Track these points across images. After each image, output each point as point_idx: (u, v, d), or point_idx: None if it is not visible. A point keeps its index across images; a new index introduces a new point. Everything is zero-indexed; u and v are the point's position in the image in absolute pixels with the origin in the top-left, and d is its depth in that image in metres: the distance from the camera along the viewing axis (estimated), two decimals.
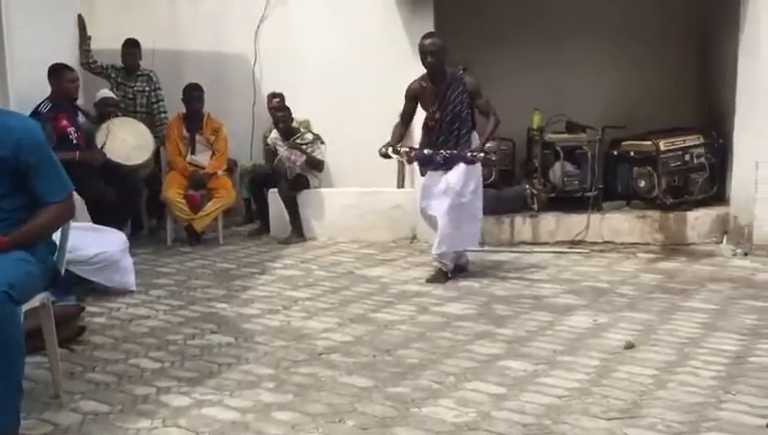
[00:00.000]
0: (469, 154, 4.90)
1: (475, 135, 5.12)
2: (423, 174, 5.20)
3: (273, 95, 7.03)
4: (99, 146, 5.66)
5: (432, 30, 6.19)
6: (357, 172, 7.05)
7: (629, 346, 3.78)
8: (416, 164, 5.30)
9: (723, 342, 3.87)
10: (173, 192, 6.17)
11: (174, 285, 5.03)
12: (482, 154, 4.90)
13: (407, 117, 5.28)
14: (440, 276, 5.12)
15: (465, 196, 4.98)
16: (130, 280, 4.79)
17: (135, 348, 3.80)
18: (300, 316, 4.35)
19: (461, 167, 4.97)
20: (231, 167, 7.20)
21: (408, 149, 5.10)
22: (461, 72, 5.06)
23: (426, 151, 5.02)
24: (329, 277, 5.30)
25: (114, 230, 4.83)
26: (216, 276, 5.30)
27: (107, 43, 6.95)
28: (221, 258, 5.86)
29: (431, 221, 5.20)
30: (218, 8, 7.40)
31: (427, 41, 4.98)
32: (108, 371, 3.50)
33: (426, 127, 5.20)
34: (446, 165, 4.98)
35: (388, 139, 6.96)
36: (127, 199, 5.83)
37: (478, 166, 5.04)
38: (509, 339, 3.94)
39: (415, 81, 5.18)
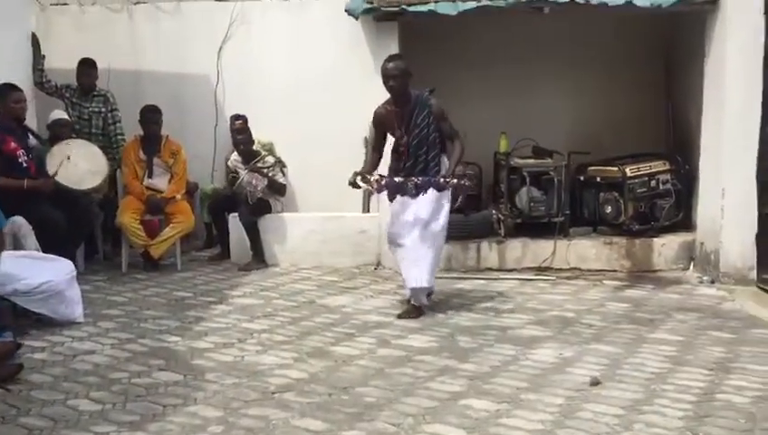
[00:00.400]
0: (441, 180, 4.75)
1: (444, 159, 4.97)
2: (392, 200, 5.02)
3: (235, 117, 6.84)
4: (50, 171, 5.42)
5: (397, 52, 6.12)
6: (321, 196, 6.91)
7: (595, 383, 3.66)
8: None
9: (690, 377, 3.77)
10: (128, 217, 5.96)
11: (124, 316, 4.81)
12: (454, 180, 4.74)
13: (377, 144, 5.12)
14: (413, 311, 4.90)
15: (434, 226, 4.80)
16: (77, 311, 4.56)
17: (75, 388, 3.58)
18: (255, 350, 4.16)
19: (430, 195, 4.79)
20: (191, 190, 7.02)
21: (378, 177, 4.90)
22: (426, 94, 4.92)
23: (396, 179, 4.85)
24: (288, 307, 5.12)
25: (60, 258, 4.61)
26: (170, 306, 5.09)
27: (63, 62, 6.74)
28: (177, 286, 5.64)
29: (398, 250, 4.97)
30: (179, 27, 7.22)
31: (390, 64, 4.86)
32: (43, 414, 3.28)
33: (394, 152, 5.04)
34: (417, 191, 4.81)
35: (354, 163, 6.94)
36: (78, 225, 5.59)
37: (448, 193, 4.85)
38: (472, 375, 3.79)
39: (380, 106, 5.04)
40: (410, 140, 4.84)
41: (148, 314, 4.88)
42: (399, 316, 4.86)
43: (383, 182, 4.86)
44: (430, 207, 4.79)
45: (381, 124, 5.04)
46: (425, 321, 4.78)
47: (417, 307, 4.91)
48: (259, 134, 6.91)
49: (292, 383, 3.66)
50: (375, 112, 5.06)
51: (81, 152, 5.64)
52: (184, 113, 7.21)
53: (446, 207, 4.88)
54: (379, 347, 4.25)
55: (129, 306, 5.06)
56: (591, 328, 4.67)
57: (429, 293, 5.09)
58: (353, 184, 4.95)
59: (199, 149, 7.13)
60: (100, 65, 6.71)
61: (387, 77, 4.84)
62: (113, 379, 3.70)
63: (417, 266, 4.80)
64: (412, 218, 4.80)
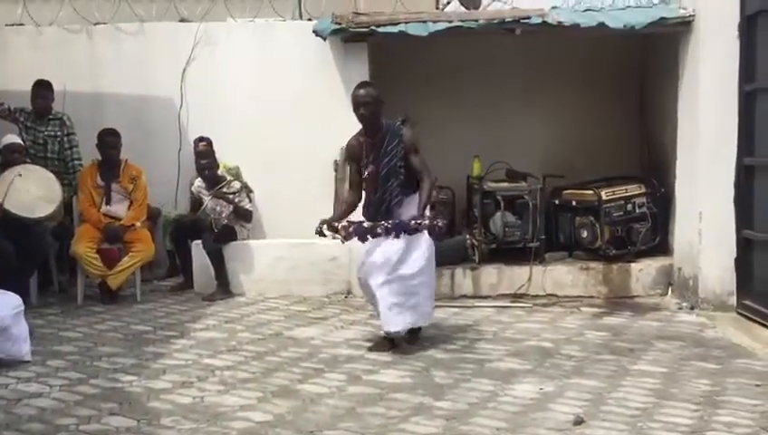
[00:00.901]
0: (412, 222, 4.41)
1: (414, 197, 4.60)
2: (363, 242, 4.61)
3: (199, 139, 6.60)
4: None
5: (366, 75, 5.97)
6: (290, 222, 6.64)
7: (579, 421, 3.45)
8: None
9: (677, 413, 3.58)
10: (84, 246, 5.65)
11: (77, 354, 4.50)
12: (425, 221, 4.40)
13: (354, 182, 4.80)
14: (385, 344, 4.63)
15: (405, 268, 4.47)
16: (24, 349, 4.24)
17: None
18: (216, 390, 3.89)
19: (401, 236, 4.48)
20: (154, 217, 6.75)
21: (345, 224, 4.53)
22: (398, 123, 4.65)
23: (365, 225, 4.50)
24: (254, 340, 4.85)
25: (5, 292, 4.29)
26: (127, 342, 4.79)
27: (19, 84, 6.44)
28: (136, 319, 5.34)
29: (368, 293, 4.72)
30: (142, 48, 6.96)
31: (360, 91, 4.62)
32: None
33: (365, 185, 4.71)
34: (387, 235, 4.47)
35: (323, 187, 6.75)
36: (30, 255, 5.27)
37: (424, 232, 4.51)
38: (448, 414, 3.56)
39: (352, 137, 4.76)
40: (378, 171, 4.57)
41: (102, 350, 4.57)
42: (370, 349, 4.61)
43: (350, 229, 4.48)
44: (399, 249, 4.44)
45: (354, 157, 4.75)
46: (397, 354, 4.54)
47: (390, 339, 4.65)
48: (225, 158, 6.69)
49: (256, 428, 3.40)
50: (347, 145, 4.80)
51: (33, 178, 5.35)
52: (146, 137, 6.95)
53: (425, 247, 4.52)
54: (350, 384, 4.01)
55: (83, 342, 4.75)
56: (571, 359, 4.47)
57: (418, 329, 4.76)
58: (320, 233, 4.65)
59: (162, 174, 6.85)
60: (57, 87, 6.44)
61: (357, 105, 4.60)
62: (60, 425, 3.40)
63: (391, 310, 4.52)
64: (381, 260, 4.49)
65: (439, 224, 4.46)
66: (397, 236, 4.43)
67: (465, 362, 4.41)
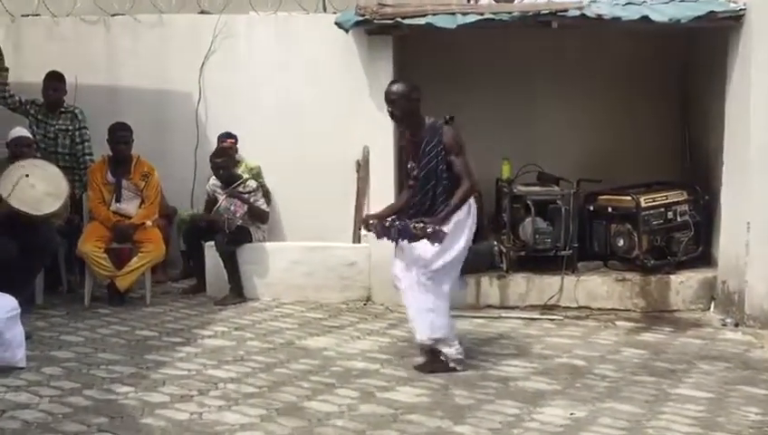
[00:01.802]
0: (412, 226, 4.04)
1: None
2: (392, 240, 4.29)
3: (226, 135, 6.37)
4: (3, 193, 4.89)
5: (390, 69, 5.68)
6: (310, 225, 6.40)
7: None
8: None
9: None
10: (91, 245, 5.40)
11: (74, 360, 4.24)
12: (422, 226, 3.99)
13: (404, 180, 4.55)
14: (429, 365, 4.22)
15: (434, 268, 4.13)
16: (18, 355, 3.98)
17: None
18: (216, 406, 3.59)
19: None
20: (170, 216, 6.51)
21: (375, 222, 4.22)
22: (441, 122, 4.28)
23: (386, 223, 4.18)
24: (263, 350, 4.55)
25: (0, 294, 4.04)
26: (129, 348, 4.52)
27: (34, 76, 6.23)
28: (143, 323, 5.08)
29: (401, 295, 4.39)
30: (159, 41, 6.74)
31: (390, 87, 4.29)
32: None
33: (408, 186, 4.43)
34: (399, 238, 4.14)
35: (346, 188, 6.46)
36: (35, 254, 5.03)
37: (461, 232, 4.16)
38: None
39: (401, 133, 4.50)
40: (419, 173, 4.26)
41: (101, 357, 4.31)
42: (417, 368, 4.21)
43: (379, 228, 4.18)
44: (432, 249, 4.09)
45: (401, 156, 4.53)
46: (415, 370, 4.20)
47: (438, 360, 4.21)
48: (245, 157, 6.44)
49: None
50: (398, 143, 4.56)
51: (39, 173, 5.11)
52: (163, 133, 6.73)
53: (456, 250, 4.17)
54: (362, 402, 3.68)
55: (83, 348, 4.49)
56: (605, 380, 4.10)
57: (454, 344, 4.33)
58: (366, 228, 4.38)
59: (179, 172, 6.64)
60: (72, 80, 6.23)
61: (387, 102, 4.29)
62: None
63: (419, 316, 4.19)
64: (413, 258, 4.19)
65: (439, 231, 4.01)
66: (403, 240, 4.12)
67: (489, 379, 4.07)
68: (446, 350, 4.18)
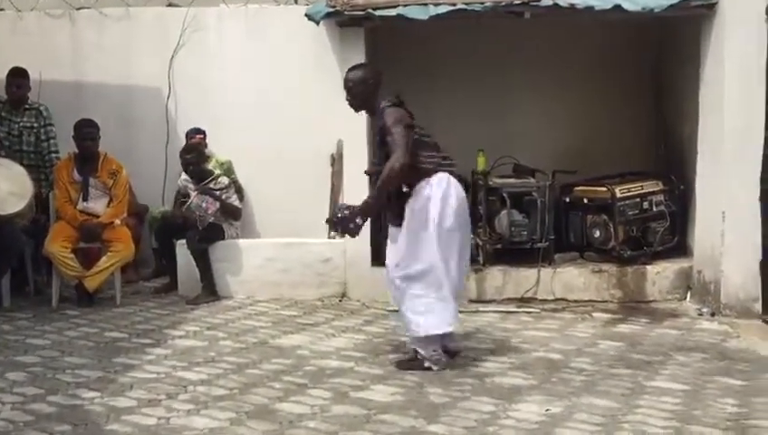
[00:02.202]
0: (334, 216, 3.98)
1: (422, 184, 3.97)
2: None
3: (195, 131, 6.25)
4: None
5: (363, 61, 5.53)
6: (284, 221, 6.32)
7: None
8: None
9: None
10: (58, 245, 5.27)
11: (40, 365, 4.11)
12: (339, 214, 3.95)
13: None
14: (409, 362, 4.12)
15: (406, 270, 3.98)
16: None
17: None
18: (185, 410, 3.49)
19: (403, 230, 4.00)
20: (141, 214, 6.39)
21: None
22: (386, 103, 4.03)
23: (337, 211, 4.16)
24: (235, 350, 4.46)
25: None
26: (97, 351, 4.40)
27: None
28: (112, 325, 4.96)
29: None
30: (126, 35, 6.61)
31: (347, 74, 4.18)
32: None
33: None
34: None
35: (320, 183, 6.36)
36: (0, 254, 4.90)
37: (423, 225, 3.92)
38: None
39: None
40: (378, 162, 4.12)
41: (68, 361, 4.19)
42: (397, 366, 4.12)
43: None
44: (401, 250, 3.97)
45: None
46: (390, 367, 4.14)
47: (415, 359, 4.09)
48: (216, 152, 6.33)
49: None
50: None
51: (4, 172, 4.99)
52: (132, 129, 6.63)
53: (424, 244, 3.93)
54: (335, 403, 3.60)
55: (49, 351, 4.37)
56: (582, 374, 4.06)
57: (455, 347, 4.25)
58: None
59: (149, 169, 6.53)
60: (36, 76, 6.08)
61: (345, 89, 4.21)
62: None
63: (401, 314, 4.12)
64: (390, 256, 4.10)
65: (352, 225, 3.93)
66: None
67: (465, 376, 4.01)
68: (422, 351, 4.07)
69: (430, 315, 3.99)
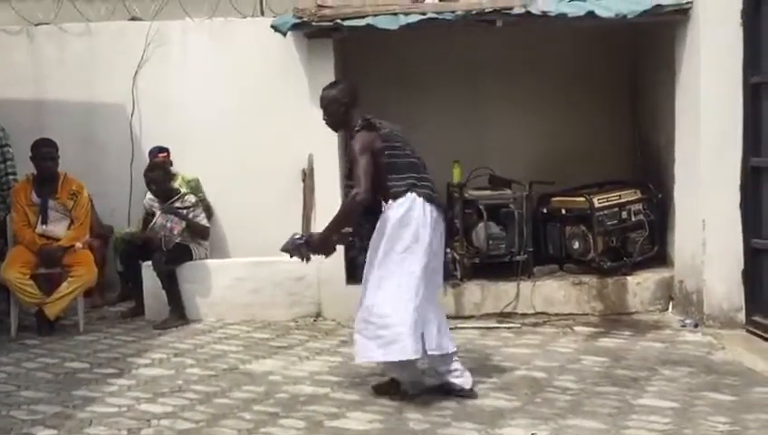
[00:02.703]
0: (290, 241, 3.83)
1: (392, 204, 3.78)
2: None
3: (158, 150, 6.06)
4: None
5: (331, 74, 5.37)
6: (254, 239, 6.10)
7: None
8: None
9: None
10: (15, 271, 5.03)
11: None
12: (291, 246, 3.81)
13: None
14: (389, 388, 3.91)
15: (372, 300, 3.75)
16: None
17: None
18: None
19: (374, 264, 3.75)
20: (106, 236, 6.15)
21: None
22: (357, 127, 3.86)
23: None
24: (203, 378, 4.24)
25: None
26: (56, 384, 4.16)
27: None
28: (73, 354, 4.72)
29: None
30: (88, 50, 6.40)
31: (322, 92, 4.00)
32: None
33: None
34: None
35: (290, 199, 6.17)
36: None
37: (405, 256, 3.71)
38: None
39: None
40: (348, 182, 3.95)
41: (24, 396, 3.95)
42: (374, 389, 3.93)
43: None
44: (374, 291, 3.75)
45: None
46: (368, 392, 3.95)
47: (396, 384, 3.88)
48: (182, 169, 6.12)
49: None
50: None
51: None
52: (94, 148, 6.43)
53: (397, 275, 3.71)
54: (309, 433, 3.42)
55: (5, 386, 4.12)
56: (567, 393, 3.90)
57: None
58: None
59: (113, 189, 6.32)
60: None
61: (321, 108, 4.03)
62: None
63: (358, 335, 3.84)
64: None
65: (299, 245, 3.80)
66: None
67: (446, 399, 3.83)
68: (396, 375, 3.88)
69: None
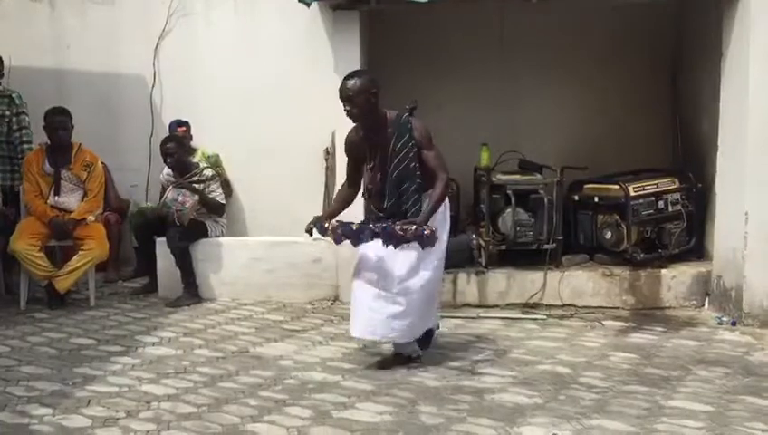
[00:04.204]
0: (398, 228, 3.64)
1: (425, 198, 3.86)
2: (356, 245, 3.88)
3: (177, 123, 5.89)
4: None
5: (357, 49, 5.18)
6: (273, 218, 5.96)
7: None
8: None
9: None
10: (24, 243, 4.90)
11: None
12: (413, 227, 3.64)
13: (351, 177, 4.05)
14: (394, 361, 3.99)
15: (407, 286, 3.81)
16: None
17: None
18: (144, 431, 3.10)
19: (411, 246, 3.73)
20: (124, 210, 6.03)
21: (335, 224, 3.81)
22: (406, 115, 3.83)
23: (353, 226, 3.78)
24: (211, 360, 4.07)
25: None
26: (59, 360, 4.02)
27: None
28: (81, 329, 4.59)
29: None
30: (110, 20, 6.26)
31: (346, 84, 3.79)
32: None
33: (367, 190, 3.99)
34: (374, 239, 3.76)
35: (312, 178, 5.99)
36: None
37: (437, 242, 3.74)
38: None
39: (352, 130, 3.99)
40: (390, 175, 3.81)
41: (24, 371, 3.81)
42: (378, 366, 3.97)
43: (340, 231, 3.76)
44: (406, 265, 3.79)
45: (352, 153, 4.00)
46: (380, 380, 3.75)
47: (399, 355, 4.01)
48: (202, 145, 5.95)
49: None
50: (345, 140, 4.03)
51: None
52: (114, 120, 6.30)
53: (434, 260, 3.86)
54: (315, 424, 3.21)
55: (6, 360, 3.99)
56: (592, 391, 3.65)
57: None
58: (309, 231, 3.88)
59: (132, 162, 6.20)
60: (13, 62, 5.72)
61: (343, 100, 3.80)
62: None
63: (371, 311, 3.80)
64: (375, 277, 3.82)
65: (426, 233, 3.65)
66: (385, 244, 3.69)
67: (462, 392, 3.61)
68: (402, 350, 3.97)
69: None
